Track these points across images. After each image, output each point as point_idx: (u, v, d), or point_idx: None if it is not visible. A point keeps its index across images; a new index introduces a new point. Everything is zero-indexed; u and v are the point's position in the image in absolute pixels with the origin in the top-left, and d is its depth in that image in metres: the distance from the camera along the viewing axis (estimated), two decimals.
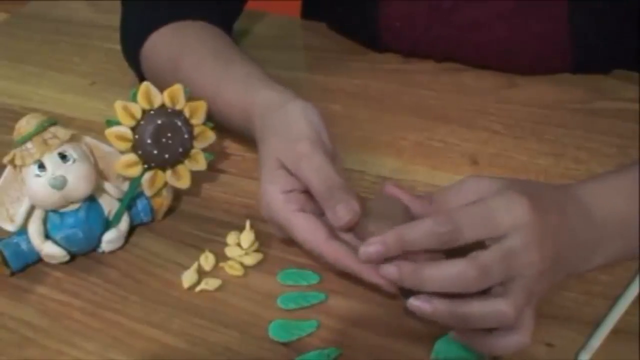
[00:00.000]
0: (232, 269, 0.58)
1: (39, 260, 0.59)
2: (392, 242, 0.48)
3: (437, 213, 0.49)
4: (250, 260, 0.59)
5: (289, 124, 0.57)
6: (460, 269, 0.47)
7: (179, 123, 0.60)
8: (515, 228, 0.47)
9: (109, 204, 0.60)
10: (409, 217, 0.53)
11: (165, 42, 0.72)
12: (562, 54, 0.77)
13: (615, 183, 0.55)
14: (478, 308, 0.47)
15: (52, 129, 0.56)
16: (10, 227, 0.58)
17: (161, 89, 0.60)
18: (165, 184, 0.62)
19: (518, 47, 0.77)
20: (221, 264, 0.59)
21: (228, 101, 0.64)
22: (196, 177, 0.63)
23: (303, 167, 0.54)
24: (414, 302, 0.48)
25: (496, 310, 0.47)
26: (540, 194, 0.51)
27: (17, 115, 0.57)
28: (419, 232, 0.48)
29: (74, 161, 0.56)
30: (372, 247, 0.49)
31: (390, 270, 0.48)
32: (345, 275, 0.56)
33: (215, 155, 0.65)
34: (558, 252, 0.49)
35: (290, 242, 0.59)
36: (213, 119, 0.64)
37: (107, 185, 0.59)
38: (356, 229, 0.53)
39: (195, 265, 0.58)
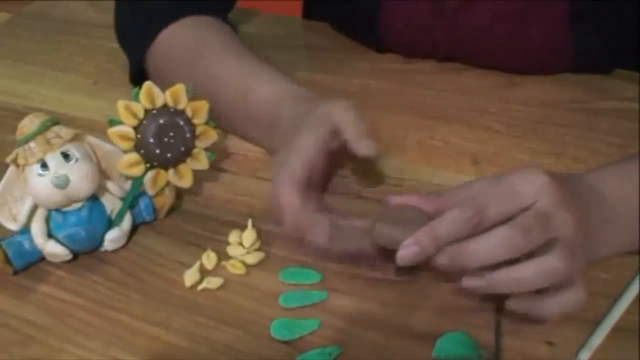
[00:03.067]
0: (234, 268, 0.58)
1: (41, 259, 0.59)
2: (426, 240, 0.50)
3: (460, 203, 0.50)
4: (252, 259, 0.59)
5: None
6: (503, 233, 0.48)
7: (181, 122, 0.61)
8: (539, 193, 0.49)
9: (111, 203, 0.60)
10: (426, 218, 0.52)
11: (180, 39, 0.73)
12: (563, 55, 0.77)
13: (623, 170, 0.56)
14: (529, 268, 0.48)
15: (55, 129, 0.56)
16: (13, 226, 0.58)
17: (172, 83, 0.60)
18: (168, 183, 0.62)
19: (519, 48, 0.77)
20: (223, 263, 0.59)
21: (258, 100, 0.66)
22: (198, 176, 0.63)
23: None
24: (467, 283, 0.49)
25: (547, 266, 0.48)
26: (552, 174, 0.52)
27: (20, 114, 0.57)
28: (449, 223, 0.49)
29: (77, 160, 0.56)
30: (408, 249, 0.50)
31: (440, 259, 0.50)
32: (347, 274, 0.57)
33: (217, 154, 0.66)
34: (584, 218, 0.50)
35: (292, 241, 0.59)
36: (237, 118, 0.66)
37: (110, 185, 0.60)
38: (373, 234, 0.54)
39: (197, 264, 0.58)
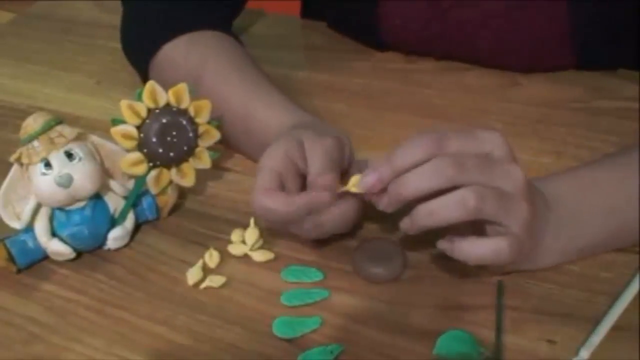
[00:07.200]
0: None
1: (45, 257, 0.60)
2: (385, 170, 0.51)
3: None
4: (261, 256, 0.59)
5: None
6: (435, 161, 0.49)
7: (184, 122, 0.61)
8: (497, 145, 0.51)
9: (114, 202, 0.60)
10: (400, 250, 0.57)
11: (182, 56, 0.72)
12: (562, 52, 0.77)
13: (575, 178, 0.58)
14: (443, 199, 0.49)
15: (59, 128, 0.57)
16: (17, 225, 0.58)
17: None
18: (170, 182, 0.62)
19: (518, 45, 0.77)
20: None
21: (263, 122, 0.65)
22: (201, 175, 0.64)
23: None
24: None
25: (458, 197, 0.49)
26: None
27: (24, 114, 0.58)
28: (406, 152, 0.51)
29: (80, 159, 0.56)
30: (369, 177, 0.51)
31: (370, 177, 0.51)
32: (348, 272, 0.57)
33: (220, 153, 0.66)
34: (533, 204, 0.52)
35: (293, 239, 0.59)
36: (239, 142, 0.67)
37: (113, 184, 0.60)
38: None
39: (199, 263, 0.59)
